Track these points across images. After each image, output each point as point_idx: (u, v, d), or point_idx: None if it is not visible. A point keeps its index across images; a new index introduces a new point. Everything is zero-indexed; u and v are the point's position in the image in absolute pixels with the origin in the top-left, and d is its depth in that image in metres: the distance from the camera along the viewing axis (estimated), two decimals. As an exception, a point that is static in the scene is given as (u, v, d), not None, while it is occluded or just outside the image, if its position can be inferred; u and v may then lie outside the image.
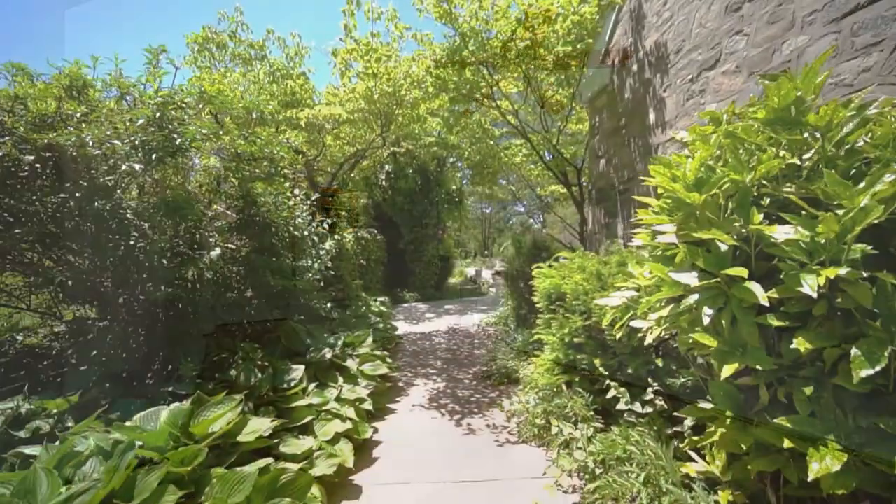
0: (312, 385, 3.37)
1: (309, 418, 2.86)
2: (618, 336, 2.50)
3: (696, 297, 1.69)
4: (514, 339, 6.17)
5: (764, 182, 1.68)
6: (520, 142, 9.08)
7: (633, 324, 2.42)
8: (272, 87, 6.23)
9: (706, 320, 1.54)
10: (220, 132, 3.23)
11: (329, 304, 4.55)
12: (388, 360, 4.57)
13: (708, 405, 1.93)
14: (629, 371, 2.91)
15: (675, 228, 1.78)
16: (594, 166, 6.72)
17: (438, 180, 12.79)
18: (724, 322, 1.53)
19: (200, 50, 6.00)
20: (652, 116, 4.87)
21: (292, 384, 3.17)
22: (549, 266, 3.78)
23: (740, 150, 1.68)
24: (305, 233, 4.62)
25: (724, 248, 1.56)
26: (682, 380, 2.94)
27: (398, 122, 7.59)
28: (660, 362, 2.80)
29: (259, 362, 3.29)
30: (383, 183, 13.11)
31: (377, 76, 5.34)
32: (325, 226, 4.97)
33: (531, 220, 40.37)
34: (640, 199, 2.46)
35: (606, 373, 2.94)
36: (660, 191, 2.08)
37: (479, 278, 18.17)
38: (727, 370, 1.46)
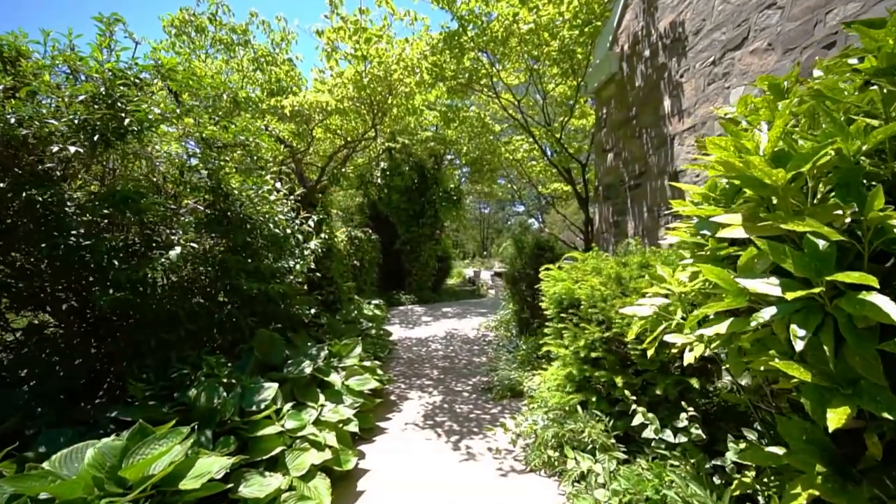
0: (288, 405, 2.92)
1: (279, 449, 2.42)
2: (648, 353, 2.07)
3: (772, 311, 1.26)
4: (516, 345, 5.75)
5: (863, 157, 1.25)
6: (521, 137, 8.67)
7: (668, 338, 1.99)
8: (256, 75, 5.79)
9: (799, 345, 1.11)
10: (179, 111, 2.78)
11: (313, 310, 4.08)
12: (380, 371, 4.12)
13: (775, 450, 1.50)
14: (657, 392, 2.48)
15: (739, 219, 1.35)
16: (601, 161, 6.31)
17: (436, 178, 12.35)
18: (826, 348, 1.10)
19: (178, 34, 5.53)
20: (667, 104, 4.46)
21: (263, 406, 2.72)
22: (559, 268, 3.35)
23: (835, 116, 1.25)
24: (288, 231, 4.17)
25: (822, 244, 1.13)
26: (720, 401, 2.52)
27: (392, 113, 7.15)
28: (695, 382, 2.37)
29: (225, 379, 2.83)
30: (378, 180, 12.65)
31: (367, 59, 4.89)
32: (311, 223, 4.53)
33: (530, 221, 40.08)
34: (680, 186, 2.03)
35: (633, 397, 2.51)
36: (712, 173, 1.65)
37: (477, 279, 17.76)
38: (836, 417, 1.03)
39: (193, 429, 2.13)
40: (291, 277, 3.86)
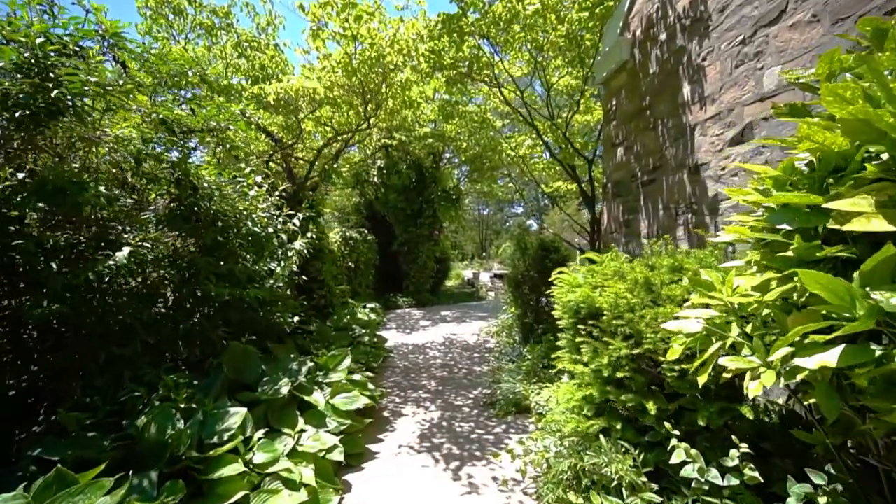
0: (260, 433, 2.49)
1: (242, 494, 1.98)
2: (700, 380, 1.65)
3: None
4: (519, 353, 5.33)
5: None
6: (523, 134, 8.26)
7: (723, 361, 1.59)
8: (240, 62, 5.35)
9: None
10: (123, 84, 2.35)
11: (296, 318, 3.64)
12: (371, 386, 3.69)
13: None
14: (699, 422, 2.06)
15: (869, 205, 0.93)
16: (609, 157, 5.91)
17: (434, 177, 11.93)
18: None
19: (154, 16, 5.10)
20: (686, 92, 4.06)
21: (227, 436, 2.29)
22: (575, 272, 2.93)
23: None
24: (270, 230, 3.75)
25: None
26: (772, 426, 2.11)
27: (388, 106, 6.73)
28: (748, 412, 1.95)
29: (183, 404, 2.40)
30: (375, 179, 12.23)
31: (357, 39, 4.45)
32: (296, 221, 4.10)
33: (529, 222, 39.68)
34: (750, 168, 1.62)
35: (674, 430, 2.09)
36: (804, 147, 1.24)
37: (476, 281, 17.34)
38: None
39: (128, 475, 1.70)
40: (272, 281, 3.43)
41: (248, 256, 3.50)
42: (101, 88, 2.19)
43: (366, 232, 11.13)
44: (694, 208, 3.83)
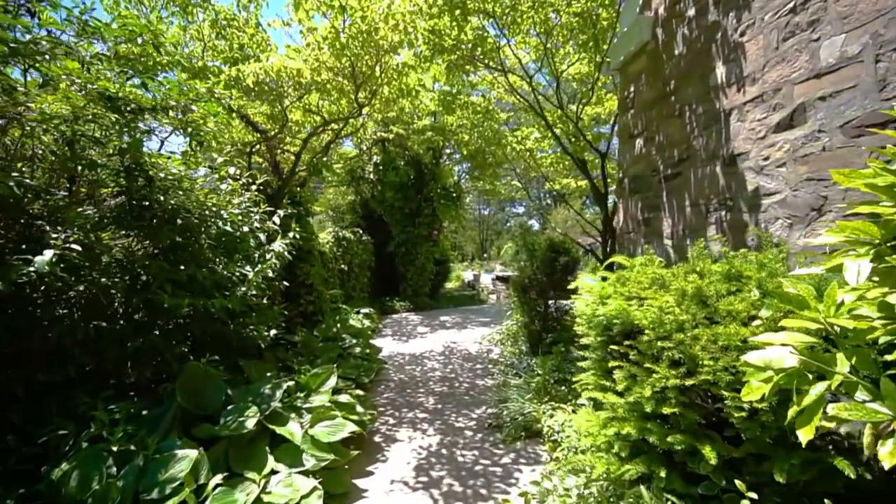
0: (217, 479, 2.00)
1: (176, 577, 1.50)
2: (804, 437, 1.17)
3: None
4: (527, 366, 4.85)
5: None
6: (528, 128, 7.77)
7: (834, 410, 1.13)
8: (218, 42, 4.84)
9: None
10: (35, 34, 1.87)
11: (273, 332, 3.12)
12: (360, 409, 3.19)
13: None
14: (777, 477, 1.58)
15: None
16: (626, 149, 5.43)
17: (434, 174, 11.44)
18: None
19: (121, -9, 4.64)
20: (720, 73, 3.58)
21: (170, 488, 1.80)
22: (603, 279, 2.44)
23: None
24: (246, 229, 3.26)
25: None
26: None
27: (383, 94, 6.24)
28: (846, 468, 1.47)
29: (119, 445, 1.91)
30: (371, 176, 11.74)
31: (346, 10, 3.95)
32: (276, 220, 3.62)
33: (531, 222, 39.13)
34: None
35: (743, 488, 1.61)
36: None
37: (477, 283, 16.85)
38: None
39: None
40: (244, 289, 2.94)
41: (219, 260, 3.02)
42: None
43: (360, 232, 10.64)
44: (729, 204, 3.35)
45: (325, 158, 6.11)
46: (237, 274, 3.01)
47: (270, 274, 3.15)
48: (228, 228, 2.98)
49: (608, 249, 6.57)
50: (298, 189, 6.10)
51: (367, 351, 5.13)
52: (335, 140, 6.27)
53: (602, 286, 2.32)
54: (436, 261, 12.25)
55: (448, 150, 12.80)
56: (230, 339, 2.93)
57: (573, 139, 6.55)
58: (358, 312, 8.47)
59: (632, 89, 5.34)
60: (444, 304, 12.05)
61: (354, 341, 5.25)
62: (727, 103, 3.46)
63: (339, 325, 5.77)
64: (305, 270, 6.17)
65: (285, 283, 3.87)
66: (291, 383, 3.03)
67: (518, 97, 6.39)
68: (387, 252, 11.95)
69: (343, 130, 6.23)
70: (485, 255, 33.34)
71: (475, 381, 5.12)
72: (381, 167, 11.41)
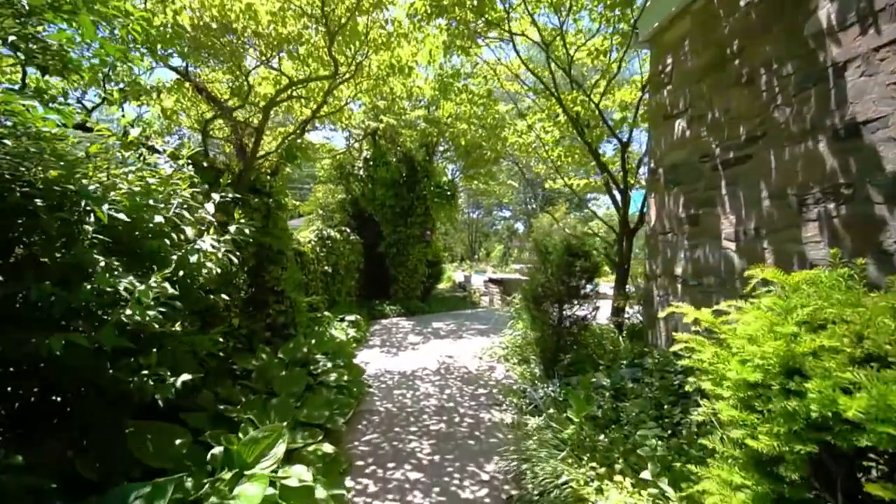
0: None
1: None
2: None
3: None
4: (544, 395, 3.87)
5: None
6: (535, 115, 6.82)
7: None
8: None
9: None
10: None
11: (180, 379, 1.99)
12: (321, 494, 2.15)
13: None
14: None
15: None
16: (662, 133, 4.52)
17: (427, 171, 10.44)
18: None
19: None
20: (826, 12, 2.64)
21: None
22: (771, 310, 1.44)
23: None
24: (160, 218, 2.23)
25: None
26: None
27: (370, 70, 5.25)
28: None
29: None
30: (361, 172, 10.70)
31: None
32: (210, 207, 2.59)
33: (517, 225, 38.45)
34: None
35: None
36: None
37: (468, 285, 15.92)
38: None
39: None
40: (129, 312, 1.86)
41: (112, 265, 1.96)
42: None
43: (348, 231, 9.60)
44: (844, 193, 2.42)
45: (299, 142, 5.08)
46: (129, 288, 1.95)
47: (202, 279, 2.13)
48: (122, 216, 1.94)
49: (625, 255, 5.65)
50: (269, 178, 5.05)
51: (347, 377, 4.09)
52: (314, 118, 5.23)
53: (758, 317, 1.33)
54: (428, 262, 11.25)
55: (442, 147, 11.82)
56: (105, 394, 1.87)
57: (587, 126, 5.61)
58: (342, 320, 7.43)
59: (669, 61, 4.43)
60: (437, 308, 11.03)
61: (330, 364, 4.20)
62: (840, 53, 2.52)
63: (313, 342, 4.73)
64: (275, 274, 5.12)
65: (227, 295, 2.81)
66: (219, 452, 1.99)
67: (523, 81, 5.44)
68: (377, 253, 10.92)
69: (324, 109, 5.19)
70: (476, 256, 32.50)
71: (479, 413, 4.13)
72: (371, 163, 10.38)
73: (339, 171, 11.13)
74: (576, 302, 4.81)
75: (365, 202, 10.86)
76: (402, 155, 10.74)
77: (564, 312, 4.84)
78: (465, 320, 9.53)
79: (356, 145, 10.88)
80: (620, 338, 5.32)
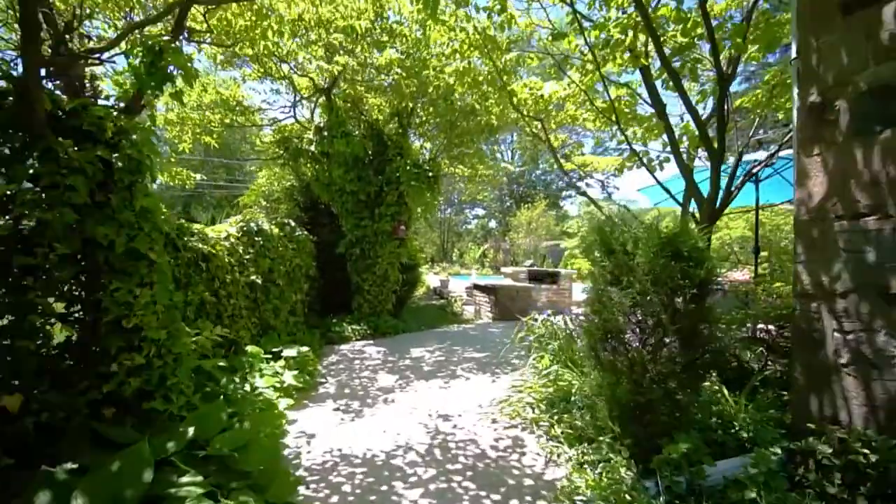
0: None
1: None
2: None
3: None
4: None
5: None
6: (570, 39, 4.65)
7: None
8: None
9: None
10: None
11: None
12: None
13: None
14: None
15: None
16: (840, 36, 2.55)
17: (400, 146, 8.12)
18: None
19: None
20: None
21: None
22: None
23: None
24: None
25: None
26: None
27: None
28: None
29: None
30: (313, 148, 8.18)
31: None
32: None
33: (491, 223, 36.71)
34: None
35: None
36: None
37: (445, 290, 13.69)
38: None
39: None
40: None
41: None
42: None
43: (292, 225, 7.09)
44: None
45: (175, 44, 2.68)
46: None
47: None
48: None
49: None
50: (115, 114, 2.61)
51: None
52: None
53: None
54: (402, 266, 8.91)
55: (417, 121, 9.49)
56: None
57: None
58: (277, 357, 4.98)
59: None
60: (414, 325, 8.71)
61: (212, 470, 1.84)
62: None
63: (190, 432, 2.33)
64: (123, 297, 2.67)
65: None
66: None
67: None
68: (335, 255, 8.47)
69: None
70: (450, 257, 30.33)
71: None
72: (325, 133, 7.90)
73: (285, 148, 8.56)
74: (685, 326, 2.73)
75: (319, 188, 8.35)
76: (369, 127, 8.37)
77: (664, 348, 2.75)
78: (453, 344, 7.29)
79: (305, 113, 8.37)
80: (724, 389, 3.33)
